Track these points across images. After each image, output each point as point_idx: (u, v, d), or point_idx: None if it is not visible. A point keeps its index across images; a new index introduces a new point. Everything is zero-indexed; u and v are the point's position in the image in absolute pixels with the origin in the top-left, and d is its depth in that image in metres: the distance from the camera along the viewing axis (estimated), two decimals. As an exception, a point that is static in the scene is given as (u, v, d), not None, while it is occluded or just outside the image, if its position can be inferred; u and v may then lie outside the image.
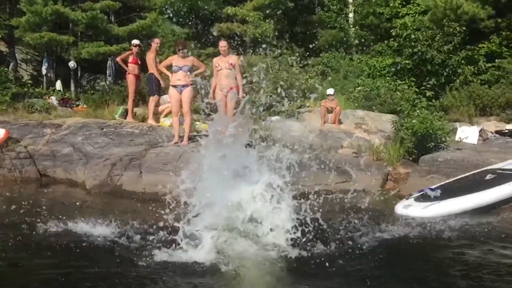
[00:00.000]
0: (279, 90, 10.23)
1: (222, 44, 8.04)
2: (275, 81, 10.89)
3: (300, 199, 4.24)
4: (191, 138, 7.97)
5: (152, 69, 9.39)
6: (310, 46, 15.07)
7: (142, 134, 8.70)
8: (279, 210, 4.19)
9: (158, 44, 9.69)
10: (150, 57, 9.44)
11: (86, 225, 4.41)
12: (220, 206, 4.17)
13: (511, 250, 4.18)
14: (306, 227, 3.97)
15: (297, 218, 4.06)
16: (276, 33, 14.52)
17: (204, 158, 4.35)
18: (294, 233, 3.98)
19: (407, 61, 13.37)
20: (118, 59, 9.98)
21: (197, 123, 9.58)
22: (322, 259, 3.57)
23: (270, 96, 10.54)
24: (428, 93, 12.73)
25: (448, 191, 6.01)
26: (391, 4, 15.81)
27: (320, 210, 4.05)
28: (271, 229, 4.12)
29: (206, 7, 15.64)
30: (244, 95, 7.88)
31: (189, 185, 4.18)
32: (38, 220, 4.54)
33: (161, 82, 9.41)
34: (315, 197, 4.30)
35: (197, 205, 4.13)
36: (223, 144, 4.27)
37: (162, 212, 4.11)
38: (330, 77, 13.81)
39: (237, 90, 7.92)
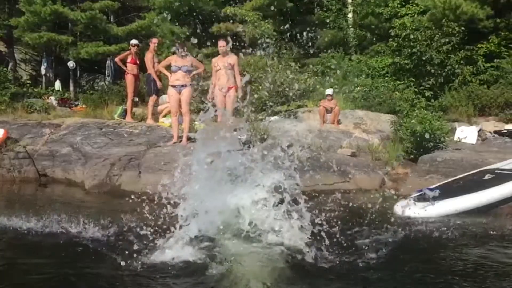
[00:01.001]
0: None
1: (221, 44, 8.04)
2: (274, 81, 10.91)
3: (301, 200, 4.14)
4: (190, 138, 7.97)
5: (149, 69, 9.39)
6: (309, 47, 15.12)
7: (141, 134, 8.70)
8: (286, 216, 3.84)
9: (156, 44, 9.69)
10: (148, 57, 9.44)
11: (85, 226, 4.40)
12: (213, 213, 3.84)
13: (511, 250, 4.18)
14: (304, 227, 3.93)
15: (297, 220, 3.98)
16: (275, 33, 14.55)
17: (195, 155, 3.98)
18: (307, 239, 3.75)
19: (406, 61, 13.39)
20: (116, 59, 9.98)
21: (196, 123, 9.57)
22: (319, 259, 3.56)
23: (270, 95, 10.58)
24: (427, 93, 12.75)
25: (447, 191, 6.00)
26: (390, 4, 15.83)
27: (318, 211, 4.03)
28: (277, 232, 3.83)
29: (205, 7, 15.66)
30: (243, 81, 7.81)
31: (175, 191, 3.83)
32: (37, 220, 4.54)
33: (158, 82, 9.38)
34: (313, 197, 4.28)
35: (184, 215, 3.81)
36: (218, 138, 3.91)
37: (157, 214, 3.89)
38: (328, 77, 13.84)
39: (236, 90, 7.91)
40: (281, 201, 3.95)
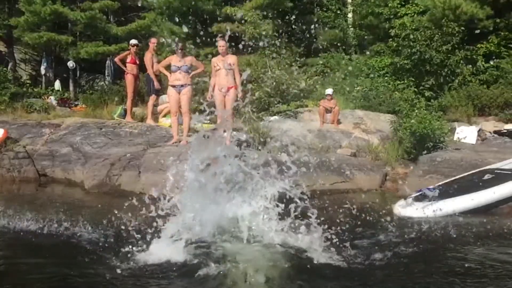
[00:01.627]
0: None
1: (221, 43, 8.02)
2: (273, 81, 10.91)
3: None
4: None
5: (148, 69, 9.37)
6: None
7: (140, 134, 8.70)
8: (293, 230, 3.56)
9: (155, 44, 9.67)
10: (147, 57, 9.43)
11: (84, 226, 4.40)
12: (208, 227, 3.56)
13: (511, 250, 4.18)
14: (303, 226, 3.92)
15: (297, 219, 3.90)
16: (275, 33, 14.53)
17: (188, 162, 3.67)
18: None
19: (405, 61, 13.37)
20: (116, 59, 9.98)
21: (196, 123, 9.58)
22: (319, 259, 3.56)
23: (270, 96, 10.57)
24: (427, 93, 12.75)
25: (447, 191, 6.01)
26: (390, 4, 15.80)
27: (317, 210, 4.02)
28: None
29: (205, 7, 15.65)
30: (244, 75, 7.79)
31: (164, 204, 3.60)
32: (37, 220, 4.54)
33: (156, 83, 9.34)
34: (312, 196, 4.25)
35: (173, 231, 3.59)
36: (214, 142, 3.64)
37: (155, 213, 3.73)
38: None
39: (236, 90, 7.88)
40: (287, 213, 3.67)
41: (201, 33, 14.25)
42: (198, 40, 13.52)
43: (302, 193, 3.71)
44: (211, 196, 3.73)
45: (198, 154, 3.72)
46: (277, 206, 3.82)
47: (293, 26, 15.53)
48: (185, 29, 12.52)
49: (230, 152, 3.80)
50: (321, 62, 15.64)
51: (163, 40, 8.75)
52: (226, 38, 7.95)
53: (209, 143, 3.72)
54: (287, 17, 16.04)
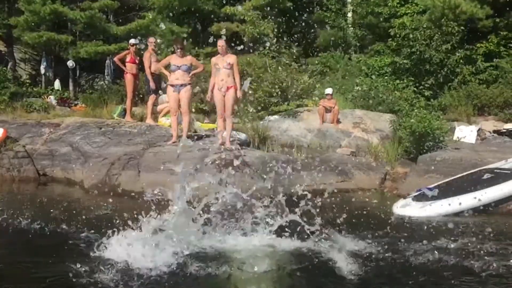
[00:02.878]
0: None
1: (220, 43, 8.00)
2: (273, 81, 10.91)
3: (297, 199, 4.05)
4: (189, 138, 7.96)
5: (146, 68, 9.35)
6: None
7: (140, 133, 8.69)
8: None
9: (153, 43, 9.65)
10: (145, 56, 9.42)
11: (84, 225, 4.40)
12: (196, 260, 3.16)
13: (511, 250, 4.18)
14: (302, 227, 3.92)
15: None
16: (275, 33, 14.54)
17: (176, 191, 3.25)
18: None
19: (405, 61, 13.39)
20: (115, 58, 9.96)
21: (197, 122, 9.59)
22: (317, 259, 3.56)
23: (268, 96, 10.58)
24: (427, 93, 12.77)
25: (446, 191, 6.02)
26: (389, 4, 15.82)
27: (317, 210, 4.02)
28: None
29: (204, 6, 15.67)
30: (245, 85, 7.76)
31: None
32: (36, 220, 4.54)
33: (151, 83, 9.30)
34: (312, 196, 4.25)
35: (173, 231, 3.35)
36: (203, 168, 3.29)
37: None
38: (328, 76, 13.87)
39: (235, 90, 7.88)
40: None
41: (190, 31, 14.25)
42: (189, 38, 13.54)
43: (319, 229, 3.42)
44: (201, 232, 3.34)
45: (187, 181, 3.34)
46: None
47: (293, 26, 15.52)
48: (162, 26, 12.56)
49: (226, 177, 3.45)
50: (321, 61, 15.65)
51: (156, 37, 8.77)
52: (223, 36, 7.94)
53: (200, 167, 3.43)
54: (287, 17, 16.06)
